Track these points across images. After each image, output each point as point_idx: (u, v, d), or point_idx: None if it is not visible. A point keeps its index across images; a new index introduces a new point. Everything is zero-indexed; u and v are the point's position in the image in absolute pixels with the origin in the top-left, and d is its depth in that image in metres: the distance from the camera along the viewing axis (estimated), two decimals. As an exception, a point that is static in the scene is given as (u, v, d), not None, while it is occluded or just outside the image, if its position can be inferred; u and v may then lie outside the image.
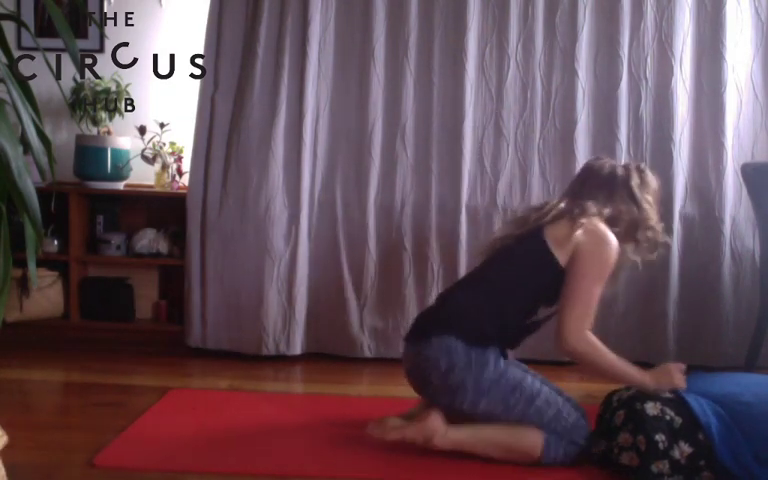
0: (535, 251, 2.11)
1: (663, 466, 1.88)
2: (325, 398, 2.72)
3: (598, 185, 2.19)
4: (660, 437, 1.89)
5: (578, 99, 3.23)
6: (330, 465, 2.04)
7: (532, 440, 2.01)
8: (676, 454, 1.88)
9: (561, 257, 2.07)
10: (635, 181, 2.18)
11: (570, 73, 3.23)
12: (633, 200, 2.16)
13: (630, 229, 2.15)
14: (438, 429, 2.05)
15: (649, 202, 2.18)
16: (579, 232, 2.06)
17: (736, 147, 3.24)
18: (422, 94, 3.24)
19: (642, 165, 2.27)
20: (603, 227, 2.09)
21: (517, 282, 2.12)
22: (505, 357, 2.13)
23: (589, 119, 3.25)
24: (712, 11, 3.22)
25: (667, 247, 2.32)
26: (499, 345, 2.10)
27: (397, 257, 3.25)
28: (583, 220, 2.08)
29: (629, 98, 3.25)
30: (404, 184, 3.25)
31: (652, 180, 2.23)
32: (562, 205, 2.16)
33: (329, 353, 3.29)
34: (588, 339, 2.04)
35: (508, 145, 3.25)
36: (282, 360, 3.19)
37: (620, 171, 2.20)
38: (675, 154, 3.22)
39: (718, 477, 1.87)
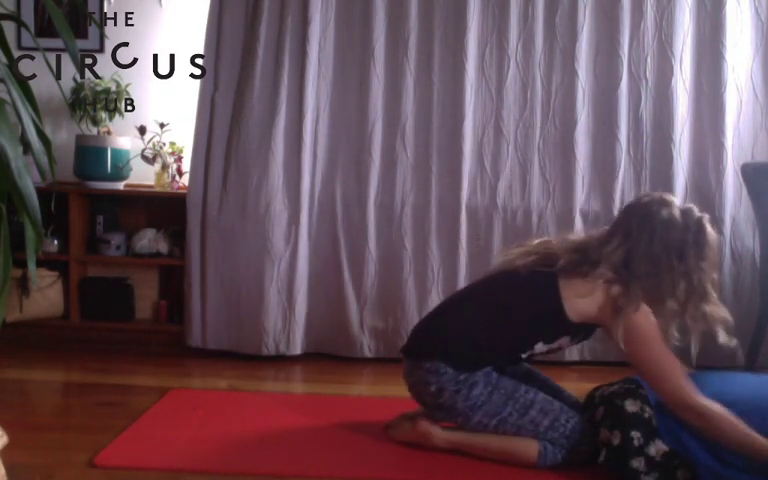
0: (546, 295, 2.02)
1: (639, 463, 1.88)
2: (325, 398, 2.72)
3: (647, 252, 1.96)
4: (635, 434, 1.90)
5: (578, 99, 3.23)
6: (330, 465, 2.04)
7: (526, 448, 2.01)
8: (651, 451, 1.88)
9: (572, 314, 2.00)
10: (691, 250, 1.95)
11: (570, 73, 3.23)
12: (686, 274, 1.95)
13: (677, 300, 1.97)
14: (430, 431, 2.08)
15: (704, 270, 1.95)
16: (608, 313, 1.96)
17: (736, 147, 3.25)
18: (422, 94, 3.24)
19: (704, 219, 2.00)
20: (637, 319, 1.94)
21: (517, 315, 2.06)
22: (500, 370, 2.12)
23: (589, 119, 3.25)
24: (712, 11, 3.22)
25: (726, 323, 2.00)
26: (489, 360, 2.07)
27: (397, 257, 3.25)
28: (621, 307, 1.94)
29: (629, 98, 3.25)
30: (404, 184, 3.25)
31: (713, 240, 1.99)
32: (603, 270, 1.98)
33: (329, 353, 3.29)
34: (698, 404, 1.86)
35: (508, 145, 3.25)
36: (282, 360, 3.19)
37: (675, 234, 1.96)
38: (675, 154, 3.22)
39: (694, 477, 1.87)
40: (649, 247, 1.96)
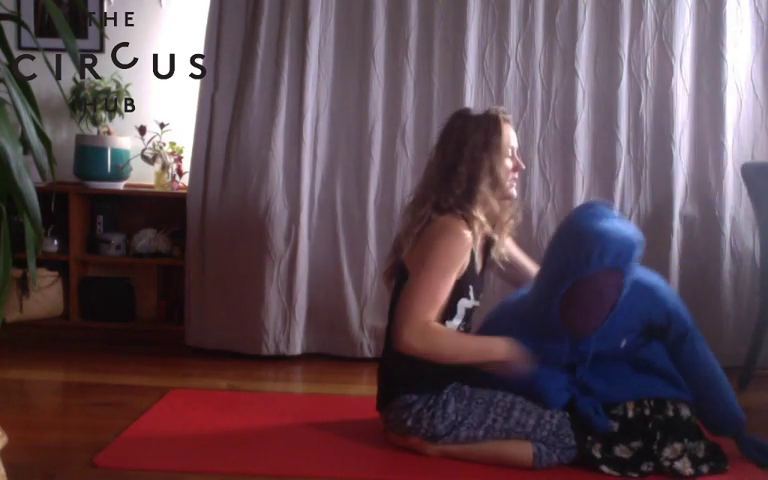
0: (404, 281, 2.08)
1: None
2: (325, 398, 2.72)
3: (440, 177, 2.08)
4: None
5: (578, 99, 3.23)
6: (330, 465, 2.04)
7: (521, 452, 2.01)
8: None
9: None
10: (480, 141, 2.06)
11: (570, 73, 3.23)
12: (478, 162, 2.06)
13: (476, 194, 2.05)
14: (422, 442, 2.06)
15: (496, 159, 2.07)
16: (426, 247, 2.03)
17: (736, 147, 3.24)
18: (422, 94, 3.24)
19: (497, 113, 2.13)
20: (441, 223, 2.02)
21: None
22: (471, 380, 2.11)
23: (589, 119, 3.25)
24: (712, 11, 3.22)
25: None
26: (452, 372, 2.07)
27: (397, 257, 3.24)
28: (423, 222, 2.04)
29: (629, 98, 3.25)
30: (404, 184, 3.25)
31: (504, 129, 2.10)
32: (416, 229, 2.07)
33: (329, 353, 3.28)
34: (424, 332, 1.96)
35: (508, 145, 3.25)
36: (282, 360, 3.19)
37: (468, 133, 2.08)
38: (675, 154, 3.22)
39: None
40: (443, 158, 2.09)
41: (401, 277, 2.10)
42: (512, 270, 2.28)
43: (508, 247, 2.25)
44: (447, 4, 3.23)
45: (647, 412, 2.01)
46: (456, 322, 2.09)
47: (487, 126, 2.09)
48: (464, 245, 2.02)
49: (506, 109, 2.19)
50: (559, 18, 3.24)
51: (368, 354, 3.23)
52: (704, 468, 1.98)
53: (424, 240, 2.04)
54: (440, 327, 2.02)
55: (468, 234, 2.02)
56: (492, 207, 2.09)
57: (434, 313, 1.99)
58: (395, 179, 3.25)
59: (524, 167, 2.19)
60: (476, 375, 2.14)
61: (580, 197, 3.24)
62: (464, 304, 2.09)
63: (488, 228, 2.11)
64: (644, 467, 1.97)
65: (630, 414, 2.01)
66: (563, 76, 3.25)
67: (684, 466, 1.97)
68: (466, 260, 2.04)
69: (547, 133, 3.25)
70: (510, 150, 2.13)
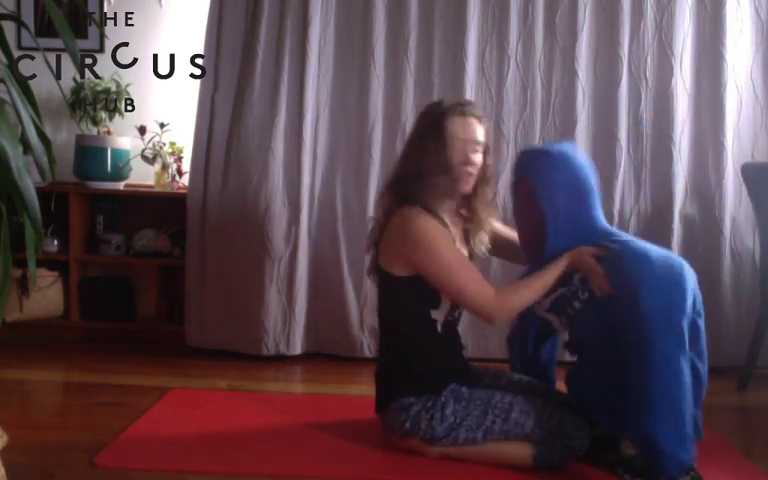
0: (386, 284, 2.11)
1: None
2: (325, 398, 2.72)
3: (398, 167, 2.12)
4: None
5: (578, 99, 3.23)
6: (329, 465, 2.04)
7: (521, 453, 2.00)
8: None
9: (398, 271, 2.05)
10: (428, 132, 2.05)
11: (570, 73, 3.23)
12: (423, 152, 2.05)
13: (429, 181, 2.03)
14: (420, 445, 2.06)
15: (430, 150, 2.03)
16: (392, 242, 2.05)
17: (736, 147, 3.24)
18: (422, 94, 3.24)
19: (448, 106, 2.08)
20: (402, 219, 2.03)
21: (396, 317, 2.11)
22: (470, 382, 2.12)
23: (589, 119, 3.25)
24: (712, 11, 3.22)
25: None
26: (449, 372, 2.08)
27: (397, 257, 3.25)
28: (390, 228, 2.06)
29: (629, 98, 3.25)
30: (404, 184, 3.25)
31: (451, 123, 2.04)
32: (379, 221, 2.14)
33: (329, 353, 3.29)
34: (502, 299, 2.00)
35: (508, 145, 3.25)
36: (282, 360, 3.19)
37: (420, 123, 2.11)
38: (675, 154, 3.22)
39: None
40: (405, 148, 2.13)
41: (380, 277, 2.12)
42: (500, 250, 2.28)
43: (492, 230, 2.22)
44: (447, 4, 3.23)
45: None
46: (443, 309, 2.09)
47: (428, 116, 2.08)
48: (434, 222, 2.03)
49: (474, 103, 2.21)
50: (559, 18, 3.24)
51: (368, 354, 3.23)
52: None
53: (394, 235, 2.05)
54: (506, 289, 2.06)
55: (432, 220, 2.03)
56: (453, 200, 2.11)
57: (479, 277, 2.01)
58: (395, 179, 3.25)
59: (474, 163, 2.08)
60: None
61: (580, 197, 3.24)
62: (438, 314, 2.09)
63: (461, 223, 2.15)
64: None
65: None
66: (563, 76, 3.25)
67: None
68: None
69: (547, 133, 3.25)
70: (460, 142, 2.04)
